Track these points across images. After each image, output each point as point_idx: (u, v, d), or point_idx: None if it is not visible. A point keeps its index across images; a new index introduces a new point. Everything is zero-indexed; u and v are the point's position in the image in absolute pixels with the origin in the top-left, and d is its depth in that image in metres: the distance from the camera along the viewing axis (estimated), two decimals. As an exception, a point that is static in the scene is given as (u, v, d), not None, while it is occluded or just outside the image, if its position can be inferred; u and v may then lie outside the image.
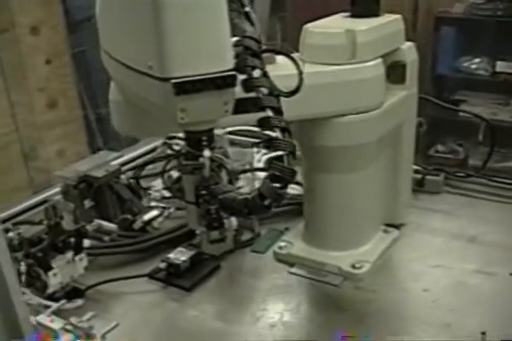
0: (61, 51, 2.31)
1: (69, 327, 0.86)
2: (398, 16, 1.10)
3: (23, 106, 2.21)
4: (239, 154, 1.17)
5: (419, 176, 1.42)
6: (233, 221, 1.00)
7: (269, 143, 0.73)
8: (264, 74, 0.78)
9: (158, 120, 0.89)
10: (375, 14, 1.08)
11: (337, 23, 1.05)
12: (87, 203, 1.31)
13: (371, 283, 1.12)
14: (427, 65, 3.02)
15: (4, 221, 1.30)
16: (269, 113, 0.75)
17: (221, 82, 0.74)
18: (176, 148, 0.85)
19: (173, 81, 0.73)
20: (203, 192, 0.81)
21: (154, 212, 1.30)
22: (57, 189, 1.35)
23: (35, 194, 1.48)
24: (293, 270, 1.18)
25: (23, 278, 1.07)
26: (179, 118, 0.76)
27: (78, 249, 1.10)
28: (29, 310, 0.93)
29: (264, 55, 0.85)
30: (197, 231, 0.98)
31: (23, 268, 1.06)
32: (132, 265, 1.22)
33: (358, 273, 1.13)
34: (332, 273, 1.15)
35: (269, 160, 0.72)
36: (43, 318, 0.89)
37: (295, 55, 0.91)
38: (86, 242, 1.16)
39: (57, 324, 0.87)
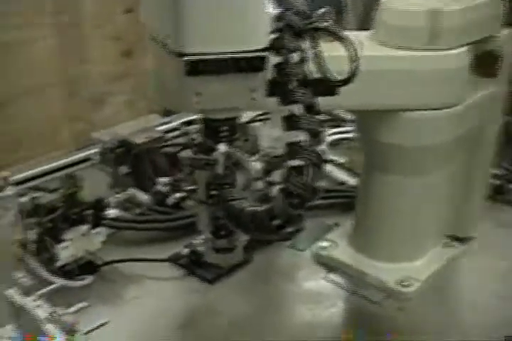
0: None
1: (55, 317, 0.76)
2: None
3: (97, 53, 2.12)
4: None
5: (497, 182, 1.23)
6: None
7: (291, 149, 0.58)
8: (303, 59, 0.63)
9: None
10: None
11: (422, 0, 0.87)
12: (123, 169, 1.21)
13: (417, 305, 0.97)
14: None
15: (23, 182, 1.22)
16: (298, 110, 0.60)
17: (245, 65, 0.60)
18: (194, 136, 0.72)
19: (186, 58, 0.59)
20: (214, 192, 0.67)
21: (192, 187, 1.17)
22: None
23: (76, 150, 1.39)
24: (330, 276, 1.04)
25: (33, 246, 0.98)
26: (194, 102, 0.63)
27: (96, 222, 1.00)
28: (29, 284, 0.83)
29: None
30: (202, 236, 0.85)
31: (33, 236, 0.97)
32: (159, 244, 1.12)
33: (404, 292, 0.98)
34: (374, 287, 1.00)
35: (288, 170, 0.57)
36: (29, 302, 0.79)
37: (359, 34, 0.74)
38: (112, 212, 1.07)
39: (42, 311, 0.77)
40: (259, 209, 0.59)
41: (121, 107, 2.27)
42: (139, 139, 1.19)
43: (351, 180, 1.27)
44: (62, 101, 2.12)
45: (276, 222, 0.57)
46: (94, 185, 1.11)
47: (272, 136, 1.04)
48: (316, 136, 0.59)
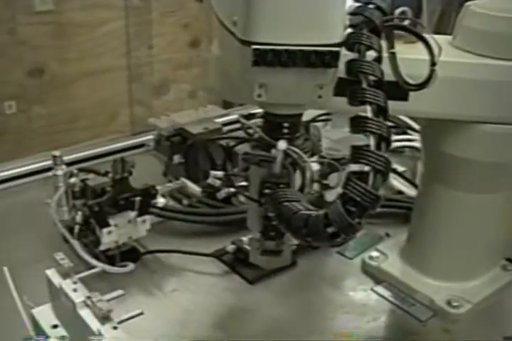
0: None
1: (89, 302, 0.74)
2: None
3: (164, 40, 2.12)
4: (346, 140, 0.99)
5: None
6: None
7: (355, 153, 0.54)
8: (379, 58, 0.59)
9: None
10: None
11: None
12: (177, 159, 1.19)
13: (466, 329, 0.92)
14: None
15: (75, 163, 1.21)
16: (368, 112, 0.56)
17: (316, 59, 0.56)
18: (251, 131, 0.68)
19: (254, 46, 0.56)
20: (267, 191, 0.64)
21: (243, 183, 1.14)
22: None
23: (132, 135, 1.38)
24: (376, 288, 1.00)
25: (77, 228, 0.97)
26: (256, 94, 0.60)
27: (143, 209, 0.98)
28: (69, 264, 0.82)
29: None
30: (250, 235, 0.82)
31: (78, 218, 0.96)
32: (203, 238, 1.10)
33: (452, 313, 0.93)
34: (421, 305, 0.95)
35: (348, 176, 0.54)
36: (67, 285, 0.77)
37: (437, 38, 0.69)
38: (161, 201, 1.04)
39: (78, 295, 0.76)
40: (313, 213, 0.56)
41: (183, 96, 2.28)
42: (196, 129, 1.17)
43: (409, 190, 1.22)
44: (124, 84, 2.14)
45: (330, 230, 0.53)
46: (146, 171, 1.09)
47: (332, 138, 1.01)
48: (383, 140, 0.55)
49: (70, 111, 2.12)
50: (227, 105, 1.54)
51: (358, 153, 0.54)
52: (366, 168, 0.53)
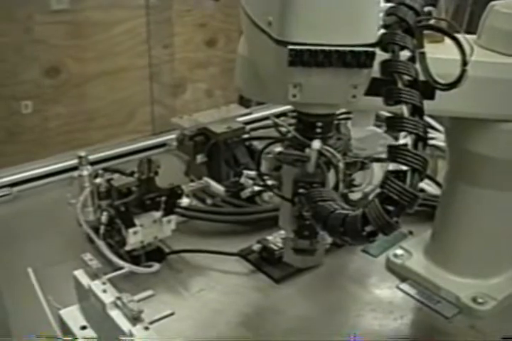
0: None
1: (119, 303, 0.75)
2: None
3: (181, 39, 2.12)
4: (373, 138, 0.99)
5: None
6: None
7: (393, 152, 0.54)
8: (413, 58, 0.59)
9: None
10: None
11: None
12: (200, 158, 1.19)
13: (491, 326, 0.92)
14: None
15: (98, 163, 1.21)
16: (405, 112, 0.56)
17: (352, 59, 0.57)
18: (284, 129, 0.68)
19: (291, 47, 0.56)
20: (302, 190, 0.64)
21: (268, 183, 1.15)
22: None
23: (153, 135, 1.38)
24: (402, 286, 1.00)
25: (102, 229, 0.97)
26: (290, 94, 0.60)
27: (169, 209, 0.99)
28: (98, 265, 0.82)
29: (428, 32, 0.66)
30: (283, 233, 0.82)
31: (104, 218, 0.96)
32: (229, 237, 1.10)
33: (477, 310, 0.93)
34: (447, 302, 0.96)
35: (386, 175, 0.54)
36: (97, 286, 0.78)
37: (468, 38, 0.69)
38: (184, 201, 1.04)
39: (108, 296, 0.76)
40: (351, 213, 0.56)
41: (200, 95, 2.28)
42: (219, 129, 1.17)
43: (431, 189, 1.21)
44: (141, 83, 2.14)
45: (369, 229, 0.54)
46: (167, 171, 1.09)
47: (354, 137, 1.01)
48: (420, 140, 0.55)
49: (86, 110, 2.13)
50: (244, 104, 1.54)
51: (395, 152, 0.54)
52: (404, 167, 0.53)
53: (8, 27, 1.88)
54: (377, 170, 0.79)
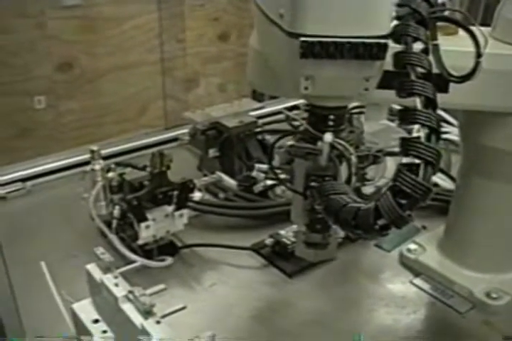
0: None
1: (131, 297, 0.75)
2: None
3: (193, 34, 2.11)
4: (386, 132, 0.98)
5: None
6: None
7: (405, 145, 0.54)
8: (426, 50, 0.58)
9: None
10: None
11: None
12: (212, 152, 1.19)
13: (506, 321, 0.91)
14: None
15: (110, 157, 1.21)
16: (418, 104, 0.55)
17: (364, 51, 0.56)
18: (296, 123, 0.68)
19: (302, 39, 0.56)
20: (313, 184, 0.64)
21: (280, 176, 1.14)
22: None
23: (166, 129, 1.38)
24: (415, 281, 0.99)
25: (115, 223, 0.97)
26: (302, 87, 0.60)
27: (181, 203, 0.99)
28: (110, 259, 0.82)
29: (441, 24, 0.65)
30: (295, 227, 0.81)
31: (116, 212, 0.96)
32: (242, 231, 1.10)
33: (491, 305, 0.93)
34: (460, 297, 0.95)
35: (399, 168, 0.53)
36: (109, 279, 0.78)
37: (482, 30, 0.69)
38: (197, 195, 1.04)
39: (120, 290, 0.76)
40: (363, 206, 0.55)
41: (213, 89, 2.28)
42: (232, 123, 1.16)
43: (444, 183, 1.21)
44: (153, 78, 2.14)
45: (381, 222, 0.53)
46: (179, 165, 1.09)
47: (367, 131, 1.00)
48: (433, 132, 0.54)
49: (99, 105, 2.13)
50: (257, 98, 1.54)
51: (408, 145, 0.53)
52: (417, 160, 0.53)
53: (21, 23, 1.88)
54: (390, 164, 0.79)
